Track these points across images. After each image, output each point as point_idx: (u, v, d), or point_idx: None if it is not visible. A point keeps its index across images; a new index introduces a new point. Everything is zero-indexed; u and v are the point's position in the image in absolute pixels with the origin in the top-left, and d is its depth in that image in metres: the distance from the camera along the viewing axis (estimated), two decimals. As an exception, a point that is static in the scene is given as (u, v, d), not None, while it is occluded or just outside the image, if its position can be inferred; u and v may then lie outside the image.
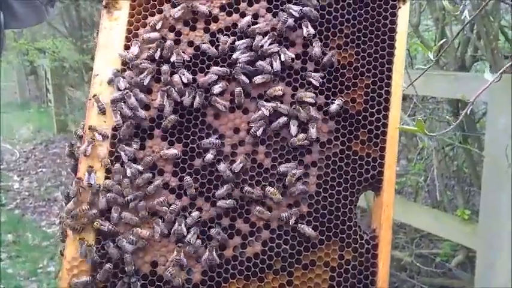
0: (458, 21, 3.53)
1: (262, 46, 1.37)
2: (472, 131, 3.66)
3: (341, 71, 1.41)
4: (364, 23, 1.42)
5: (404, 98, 4.26)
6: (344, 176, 1.40)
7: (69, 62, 8.45)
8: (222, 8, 1.41)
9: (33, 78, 15.75)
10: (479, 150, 3.50)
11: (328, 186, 1.39)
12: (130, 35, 1.41)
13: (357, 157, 1.40)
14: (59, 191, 7.99)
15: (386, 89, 1.41)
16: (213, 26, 1.41)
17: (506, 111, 2.83)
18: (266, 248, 1.36)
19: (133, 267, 1.32)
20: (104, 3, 1.40)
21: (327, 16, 1.41)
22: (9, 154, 10.00)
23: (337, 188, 1.39)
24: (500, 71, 1.67)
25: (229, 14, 1.41)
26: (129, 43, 1.40)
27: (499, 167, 2.85)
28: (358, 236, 1.39)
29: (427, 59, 4.96)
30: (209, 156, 1.35)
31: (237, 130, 1.39)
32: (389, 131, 1.40)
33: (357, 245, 1.38)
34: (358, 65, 1.42)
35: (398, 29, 1.42)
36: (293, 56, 1.39)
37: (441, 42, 1.97)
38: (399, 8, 1.42)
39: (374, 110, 1.40)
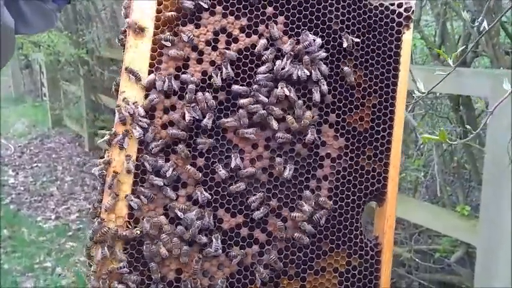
0: (459, 17, 3.51)
1: (283, 68, 1.44)
2: (472, 127, 3.65)
3: (351, 91, 1.51)
4: (371, 47, 1.52)
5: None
6: (352, 189, 1.51)
7: (65, 56, 8.39)
8: (241, 29, 1.47)
9: (27, 72, 15.67)
10: (480, 146, 3.49)
11: (337, 199, 1.50)
12: (155, 53, 1.44)
13: (363, 171, 1.52)
14: (54, 185, 7.96)
15: (391, 108, 1.52)
16: (234, 47, 1.46)
17: (507, 108, 2.82)
18: (282, 256, 1.46)
19: (159, 275, 1.38)
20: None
21: (338, 40, 1.50)
22: (4, 149, 9.95)
23: (345, 200, 1.51)
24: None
25: (249, 35, 1.47)
26: (154, 61, 1.44)
27: (500, 163, 2.85)
28: (363, 244, 1.52)
29: (425, 54, 4.95)
30: (222, 172, 1.42)
31: (255, 146, 1.46)
32: (392, 147, 1.53)
33: (363, 252, 1.51)
34: (366, 86, 1.51)
35: (402, 52, 1.53)
36: (308, 73, 1.46)
37: (460, 49, 1.96)
38: (403, 33, 1.53)
39: (380, 128, 1.52)
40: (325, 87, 1.47)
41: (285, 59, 1.45)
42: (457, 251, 4.10)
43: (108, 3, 8.20)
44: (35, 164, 9.11)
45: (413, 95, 3.85)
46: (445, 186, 4.05)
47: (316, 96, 1.46)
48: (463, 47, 2.14)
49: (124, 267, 1.35)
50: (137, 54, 1.44)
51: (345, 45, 1.47)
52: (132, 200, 1.36)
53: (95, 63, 8.70)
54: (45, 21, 1.38)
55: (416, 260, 4.17)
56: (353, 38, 1.47)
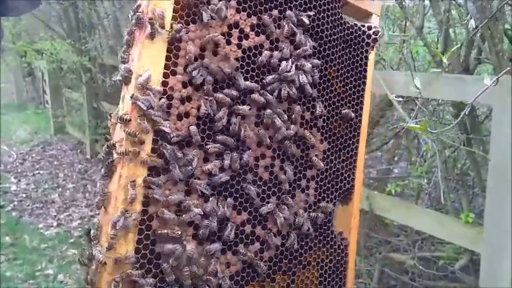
0: (463, 25, 3.52)
1: (288, 71, 1.51)
2: (476, 134, 3.65)
3: (333, 99, 1.66)
4: (348, 61, 1.68)
5: (407, 100, 4.24)
6: (331, 188, 1.66)
7: (67, 63, 8.40)
8: (252, 27, 1.50)
9: (30, 80, 15.70)
10: (483, 152, 3.48)
11: (320, 197, 1.64)
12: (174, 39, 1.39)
13: (339, 173, 1.68)
14: (56, 192, 7.95)
15: (359, 118, 1.72)
16: (245, 43, 1.48)
17: (510, 114, 2.82)
18: (278, 252, 1.54)
19: (173, 277, 1.33)
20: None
21: (325, 49, 1.63)
22: (6, 155, 9.95)
23: (326, 199, 1.65)
24: (497, 77, 1.84)
25: (258, 34, 1.51)
26: (172, 46, 1.38)
27: (504, 170, 2.84)
28: (336, 239, 1.68)
29: (428, 61, 4.95)
30: (226, 161, 1.43)
31: (259, 144, 1.51)
32: (359, 151, 1.72)
33: (336, 246, 1.68)
34: (344, 95, 1.68)
35: (368, 69, 1.73)
36: (307, 80, 1.56)
37: (454, 48, 2.05)
38: (370, 53, 1.73)
39: (351, 135, 1.70)
40: (317, 77, 1.58)
41: (290, 62, 1.51)
42: (461, 259, 4.08)
43: (110, 11, 8.23)
44: (37, 171, 9.10)
45: (416, 101, 3.85)
46: (448, 193, 4.04)
47: (308, 89, 1.55)
48: (457, 46, 2.22)
49: (139, 276, 1.27)
50: (156, 39, 1.34)
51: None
52: (156, 193, 1.29)
53: (97, 71, 8.71)
54: (29, 3, 1.35)
55: (420, 267, 4.15)
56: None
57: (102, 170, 1.32)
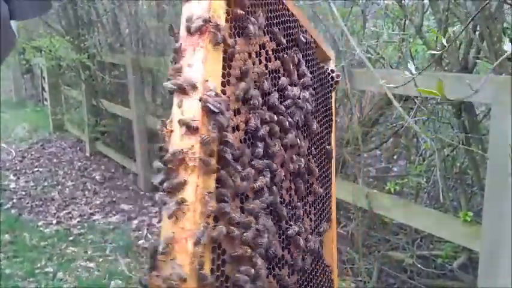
0: (462, 23, 3.52)
1: (299, 98, 1.55)
2: (474, 132, 3.65)
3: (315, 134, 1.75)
4: (321, 98, 1.77)
5: (407, 99, 4.25)
6: (321, 213, 1.71)
7: (66, 61, 8.39)
8: (273, 51, 1.51)
9: (29, 77, 15.70)
10: (482, 151, 3.49)
11: (317, 224, 1.67)
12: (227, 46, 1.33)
13: (323, 198, 1.73)
14: (55, 190, 7.96)
15: (331, 148, 1.81)
16: (269, 65, 1.48)
17: (509, 112, 2.82)
18: (298, 277, 1.54)
19: None
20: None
21: (314, 82, 1.70)
22: (5, 153, 9.95)
23: (320, 224, 1.68)
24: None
25: (275, 58, 1.52)
26: (226, 55, 1.29)
27: (503, 169, 2.84)
28: (325, 265, 1.73)
29: (427, 59, 4.95)
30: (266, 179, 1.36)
31: (282, 165, 1.49)
32: (332, 179, 1.82)
33: (327, 271, 1.73)
34: (321, 130, 1.75)
35: (333, 107, 1.86)
36: (311, 107, 1.64)
37: (445, 39, 2.08)
38: (332, 93, 1.87)
39: (329, 165, 1.81)
40: (312, 106, 1.66)
41: (298, 89, 1.55)
42: (459, 257, 4.09)
43: (109, 8, 8.22)
44: (36, 169, 9.10)
45: (415, 100, 3.85)
46: (447, 191, 4.05)
47: (309, 117, 1.62)
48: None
49: None
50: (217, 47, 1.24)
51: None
52: (228, 207, 1.16)
53: (97, 68, 8.71)
54: (39, 7, 1.32)
55: (419, 265, 4.16)
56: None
57: (165, 183, 1.16)
